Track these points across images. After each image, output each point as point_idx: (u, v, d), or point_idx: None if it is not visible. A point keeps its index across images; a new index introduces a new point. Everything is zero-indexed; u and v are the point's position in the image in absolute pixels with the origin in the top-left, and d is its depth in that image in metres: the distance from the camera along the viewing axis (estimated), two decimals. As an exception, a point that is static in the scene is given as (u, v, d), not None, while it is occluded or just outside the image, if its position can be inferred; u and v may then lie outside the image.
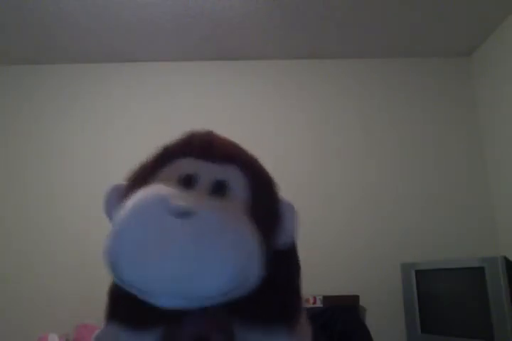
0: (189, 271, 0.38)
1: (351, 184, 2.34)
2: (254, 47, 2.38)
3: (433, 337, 1.84)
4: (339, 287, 2.12)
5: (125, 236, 0.40)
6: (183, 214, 0.39)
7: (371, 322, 2.01)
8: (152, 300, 0.40)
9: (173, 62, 2.49)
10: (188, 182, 0.47)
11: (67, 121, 2.43)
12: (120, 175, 0.65)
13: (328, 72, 2.50)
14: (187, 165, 0.49)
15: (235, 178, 0.47)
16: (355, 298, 2.02)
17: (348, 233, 2.27)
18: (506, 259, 1.64)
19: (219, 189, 0.46)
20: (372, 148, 2.39)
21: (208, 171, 0.47)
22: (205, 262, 0.38)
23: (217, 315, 0.47)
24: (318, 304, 1.96)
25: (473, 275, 1.72)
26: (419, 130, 2.42)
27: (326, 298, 1.98)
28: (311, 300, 1.98)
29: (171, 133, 0.69)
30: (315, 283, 2.04)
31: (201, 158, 0.49)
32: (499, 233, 2.24)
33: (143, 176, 0.50)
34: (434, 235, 2.26)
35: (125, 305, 0.49)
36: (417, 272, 1.95)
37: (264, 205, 0.47)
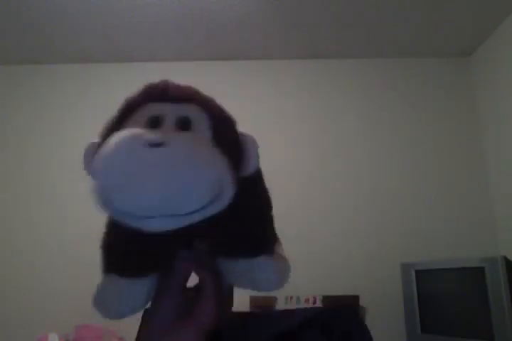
0: (170, 190, 0.44)
1: (351, 184, 2.34)
2: (254, 47, 2.38)
3: (433, 337, 1.84)
4: (339, 287, 2.12)
5: (109, 168, 0.45)
6: (156, 144, 0.44)
7: (371, 322, 2.00)
8: (142, 225, 0.45)
9: (173, 62, 2.49)
10: (154, 123, 0.52)
11: (68, 121, 2.43)
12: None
13: (328, 72, 2.50)
14: (150, 109, 0.54)
15: (197, 115, 0.52)
16: (355, 298, 2.02)
17: (348, 233, 2.27)
18: (506, 259, 1.64)
19: (184, 124, 0.51)
20: (372, 148, 2.39)
21: (170, 110, 0.52)
22: (182, 181, 0.44)
23: (203, 257, 0.54)
24: (318, 304, 1.96)
25: (473, 276, 1.72)
26: (419, 130, 2.42)
27: (326, 298, 1.98)
28: (311, 300, 1.98)
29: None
30: (315, 283, 2.05)
31: (162, 101, 0.54)
32: (499, 233, 2.24)
33: (113, 128, 0.55)
34: (434, 235, 2.26)
35: (119, 257, 0.54)
36: (417, 272, 1.95)
37: (226, 138, 0.52)
